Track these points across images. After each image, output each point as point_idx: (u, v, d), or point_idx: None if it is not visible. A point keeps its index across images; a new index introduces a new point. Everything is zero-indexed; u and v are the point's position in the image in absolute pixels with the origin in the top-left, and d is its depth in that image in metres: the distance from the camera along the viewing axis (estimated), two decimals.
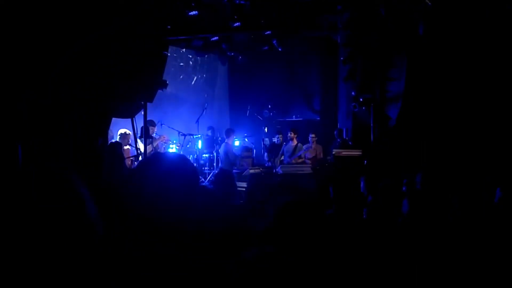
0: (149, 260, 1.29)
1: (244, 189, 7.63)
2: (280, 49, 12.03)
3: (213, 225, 1.85)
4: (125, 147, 8.09)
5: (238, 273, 1.21)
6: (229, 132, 10.06)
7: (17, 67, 4.15)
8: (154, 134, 9.19)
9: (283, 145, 10.12)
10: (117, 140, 8.03)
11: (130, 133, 8.08)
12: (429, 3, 7.97)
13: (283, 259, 1.25)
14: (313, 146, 10.08)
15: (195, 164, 10.26)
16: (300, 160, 9.86)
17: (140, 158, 7.76)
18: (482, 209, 3.36)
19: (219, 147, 10.32)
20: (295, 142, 9.94)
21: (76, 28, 4.59)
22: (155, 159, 1.62)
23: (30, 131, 4.20)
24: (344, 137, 10.48)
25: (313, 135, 10.08)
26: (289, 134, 9.99)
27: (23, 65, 4.20)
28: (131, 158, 8.03)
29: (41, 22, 4.24)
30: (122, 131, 8.20)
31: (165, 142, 9.65)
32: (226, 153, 9.65)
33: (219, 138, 11.41)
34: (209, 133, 11.59)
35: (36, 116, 4.28)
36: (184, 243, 1.37)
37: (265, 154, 10.32)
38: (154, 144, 8.81)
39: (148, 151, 7.93)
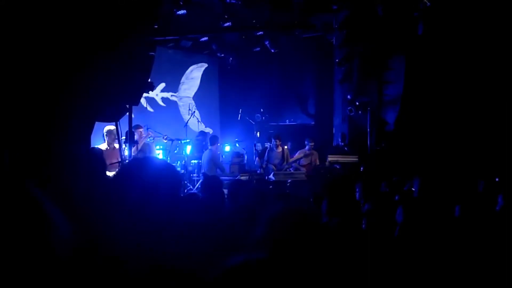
0: (132, 268, 1.29)
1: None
2: (272, 51, 12.06)
3: (199, 233, 1.84)
4: (116, 145, 7.99)
5: (222, 280, 1.21)
6: (214, 139, 10.10)
7: (8, 69, 4.14)
8: (141, 139, 9.15)
9: (267, 151, 10.11)
10: (104, 137, 7.98)
11: (115, 128, 8.00)
12: (428, 3, 8.04)
13: (270, 267, 1.25)
14: (308, 151, 10.05)
15: (182, 171, 10.25)
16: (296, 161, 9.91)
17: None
18: (482, 216, 3.38)
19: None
20: (280, 148, 9.95)
21: (72, 30, 4.59)
22: (135, 165, 1.62)
23: (19, 136, 4.19)
24: (339, 142, 10.50)
25: (311, 143, 10.00)
26: (274, 141, 9.99)
27: (14, 67, 4.19)
28: (115, 163, 7.96)
29: (34, 24, 4.24)
30: (108, 128, 8.09)
31: (153, 139, 9.64)
32: (212, 159, 9.68)
33: (209, 144, 11.41)
34: (199, 137, 11.56)
35: (24, 120, 4.27)
36: (169, 251, 1.37)
37: (256, 159, 10.30)
38: (140, 146, 8.75)
39: (133, 153, 7.87)
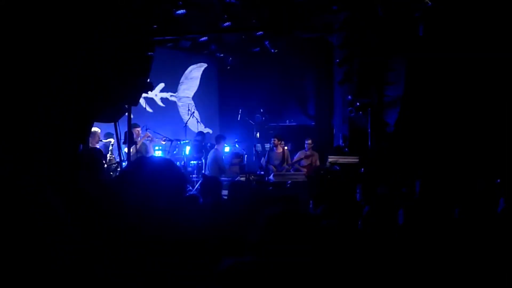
0: (130, 268, 1.29)
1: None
2: (272, 51, 12.06)
3: (199, 234, 1.84)
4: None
5: (215, 282, 1.21)
6: (219, 138, 10.07)
7: (6, 69, 4.15)
8: (139, 139, 9.13)
9: (267, 151, 10.11)
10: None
11: (99, 130, 8.00)
12: (429, 3, 8.04)
13: (262, 269, 1.25)
14: (309, 152, 10.06)
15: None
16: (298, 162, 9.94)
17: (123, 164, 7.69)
18: (484, 218, 3.38)
19: (208, 153, 10.32)
20: (280, 149, 9.95)
21: (71, 29, 4.60)
22: (139, 165, 1.61)
23: (18, 136, 4.20)
24: (341, 143, 10.51)
25: (309, 141, 10.04)
26: (273, 141, 9.99)
27: (12, 67, 4.20)
28: (113, 164, 7.95)
29: (33, 24, 4.25)
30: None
31: (151, 140, 9.62)
32: (215, 159, 9.64)
33: (208, 144, 11.39)
34: (198, 138, 11.56)
35: (23, 120, 4.27)
36: (168, 252, 1.37)
37: (262, 159, 10.24)
38: (138, 146, 8.73)
39: (132, 153, 7.86)
